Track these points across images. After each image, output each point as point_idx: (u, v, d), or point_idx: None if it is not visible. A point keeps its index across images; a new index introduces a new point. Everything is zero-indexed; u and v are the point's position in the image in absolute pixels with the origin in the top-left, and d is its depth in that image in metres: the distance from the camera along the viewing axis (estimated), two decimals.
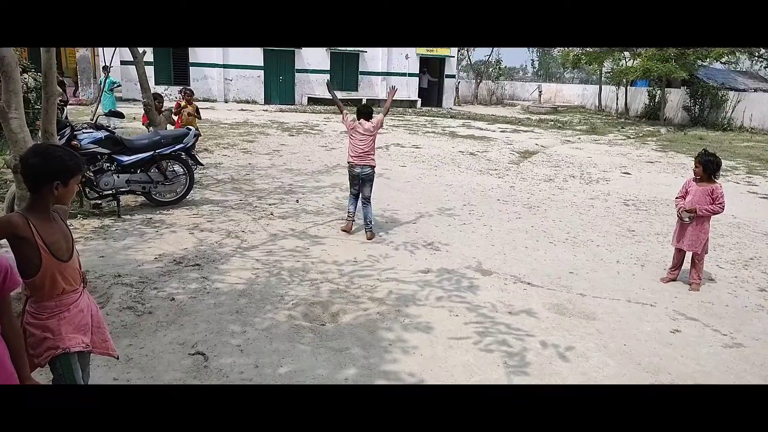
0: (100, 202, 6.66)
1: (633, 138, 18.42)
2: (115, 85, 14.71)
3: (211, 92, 24.81)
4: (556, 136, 17.98)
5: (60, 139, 5.86)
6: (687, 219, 5.03)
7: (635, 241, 6.53)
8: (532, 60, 64.28)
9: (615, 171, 11.57)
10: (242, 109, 22.00)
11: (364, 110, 6.34)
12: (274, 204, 7.39)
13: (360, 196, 6.25)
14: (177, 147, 6.82)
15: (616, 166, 12.14)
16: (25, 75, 11.25)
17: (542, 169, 11.38)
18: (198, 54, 24.27)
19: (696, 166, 5.20)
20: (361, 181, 6.18)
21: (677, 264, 5.24)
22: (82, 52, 20.86)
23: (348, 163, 6.25)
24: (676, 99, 24.57)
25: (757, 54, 25.14)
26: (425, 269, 5.23)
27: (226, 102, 24.79)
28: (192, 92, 10.11)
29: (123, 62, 22.48)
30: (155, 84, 23.77)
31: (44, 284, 2.19)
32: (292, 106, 24.92)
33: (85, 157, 6.19)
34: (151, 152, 6.62)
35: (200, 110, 10.18)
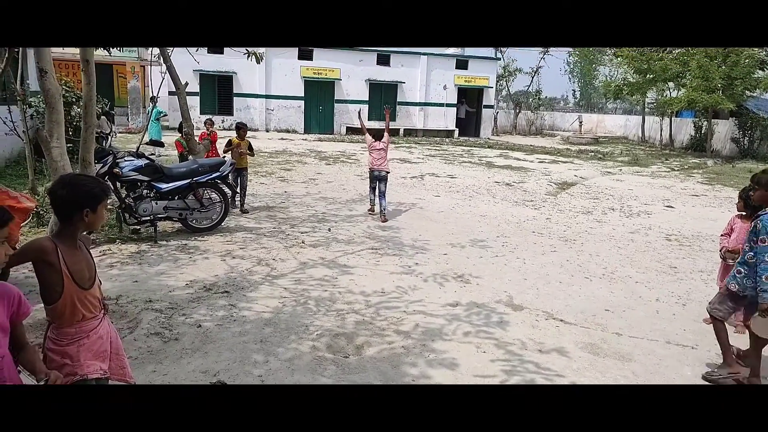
0: (138, 227, 6.86)
1: (677, 170, 17.86)
2: (162, 115, 15.38)
3: (254, 122, 25.54)
4: (596, 167, 17.62)
5: (102, 167, 6.12)
6: (731, 261, 4.78)
7: (677, 278, 6.24)
8: (573, 90, 63.71)
9: (657, 204, 11.19)
10: (282, 138, 22.54)
11: (377, 133, 8.62)
12: (306, 232, 7.45)
13: (377, 190, 8.48)
14: (214, 175, 6.99)
15: (658, 199, 11.76)
16: (75, 106, 11.88)
17: (580, 201, 11.12)
18: (241, 84, 25.11)
19: (738, 201, 4.96)
20: (378, 181, 8.48)
21: None
22: (132, 82, 21.90)
23: (370, 168, 8.62)
24: (723, 130, 23.81)
25: None
26: (454, 302, 5.12)
27: (268, 131, 25.47)
28: (245, 127, 9.05)
29: (171, 93, 23.46)
30: (200, 114, 24.70)
31: (65, 311, 2.23)
32: (331, 136, 25.38)
33: (125, 184, 6.44)
34: (189, 180, 6.80)
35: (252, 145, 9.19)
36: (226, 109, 25.11)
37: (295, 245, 6.76)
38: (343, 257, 6.35)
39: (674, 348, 4.42)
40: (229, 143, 8.85)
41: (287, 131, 25.78)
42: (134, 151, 6.64)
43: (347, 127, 26.28)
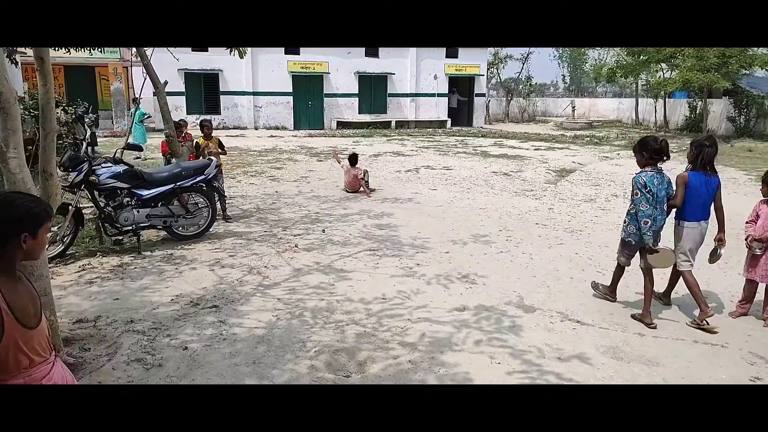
0: (121, 237, 6.45)
1: (676, 152, 17.50)
2: (146, 117, 14.88)
3: (242, 120, 25.03)
4: (593, 152, 17.29)
5: (77, 175, 5.71)
6: (758, 251, 4.45)
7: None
8: (563, 75, 63.34)
9: None
10: (272, 136, 22.07)
11: (353, 158, 10.23)
12: (299, 235, 7.06)
13: None
14: (198, 179, 6.59)
15: None
16: (58, 110, 11.41)
17: (582, 189, 10.77)
18: (228, 82, 24.57)
19: (762, 186, 4.63)
20: None
21: (749, 297, 4.64)
22: (116, 84, 21.35)
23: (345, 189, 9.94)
24: (719, 110, 23.53)
25: None
26: (461, 307, 4.76)
27: (256, 129, 24.96)
28: (209, 124, 8.35)
29: (155, 93, 22.92)
30: (187, 113, 24.14)
31: (7, 358, 1.84)
32: (322, 131, 24.91)
33: (104, 192, 6.03)
34: (172, 185, 6.40)
35: (223, 142, 8.58)
36: (213, 108, 24.55)
37: (288, 250, 6.37)
38: (340, 261, 5.98)
39: (703, 347, 4.08)
40: (196, 146, 8.08)
41: (276, 128, 25.28)
42: (112, 156, 6.22)
43: (338, 122, 25.82)
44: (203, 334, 4.13)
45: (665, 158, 4.45)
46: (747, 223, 4.71)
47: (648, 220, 4.32)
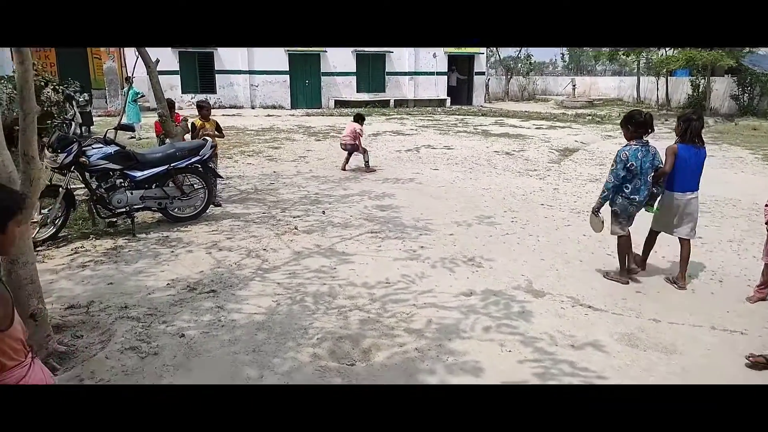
0: (115, 219, 6.25)
1: None
2: (139, 96, 14.53)
3: (238, 99, 24.61)
4: (595, 131, 17.02)
5: (67, 156, 5.48)
6: None
7: (706, 250, 5.73)
8: (562, 54, 62.56)
9: None
10: (269, 115, 21.70)
11: (359, 117, 10.17)
12: (298, 216, 6.86)
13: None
14: (193, 159, 6.36)
15: None
16: (48, 89, 11.09)
17: (586, 168, 10.56)
18: (223, 61, 24.09)
19: None
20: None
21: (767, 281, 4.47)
22: (108, 63, 20.91)
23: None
24: (722, 88, 23.17)
25: None
26: (468, 291, 4.59)
27: (253, 108, 24.55)
28: (207, 105, 7.89)
29: (148, 73, 22.47)
30: (182, 93, 23.74)
31: None
32: (319, 110, 24.51)
33: (95, 174, 5.80)
34: (166, 166, 6.17)
35: (221, 125, 8.22)
36: (209, 87, 24.10)
37: (287, 232, 6.18)
38: (341, 243, 5.79)
39: (721, 334, 3.93)
40: (192, 127, 7.65)
41: (273, 107, 24.86)
42: (103, 137, 5.97)
43: (335, 101, 25.42)
44: (201, 321, 3.96)
45: (650, 131, 4.64)
46: (767, 206, 4.52)
47: (607, 191, 4.71)
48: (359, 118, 10.09)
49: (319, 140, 14.26)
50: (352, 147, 9.93)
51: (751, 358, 3.43)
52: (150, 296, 4.37)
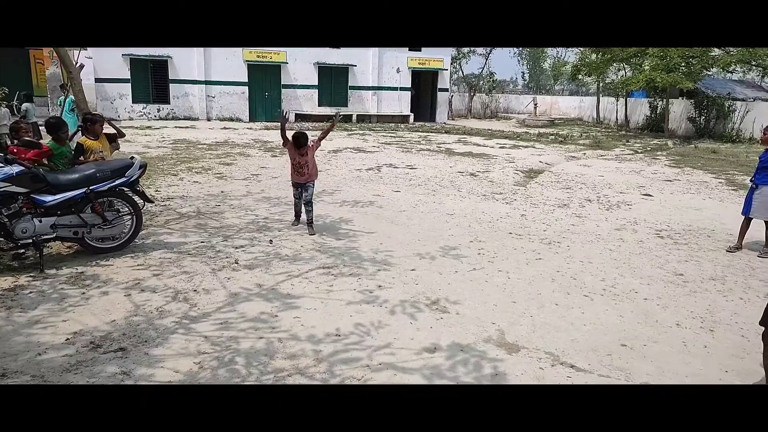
0: (21, 251, 5.33)
1: (641, 152, 17.29)
2: (75, 105, 13.42)
3: (193, 110, 23.55)
4: (559, 151, 16.81)
5: None
6: None
7: (689, 290, 5.25)
8: (522, 72, 63.61)
9: (634, 192, 10.35)
10: (225, 128, 20.75)
11: (299, 139, 6.54)
12: (242, 246, 6.07)
13: (302, 198, 6.89)
14: (118, 182, 5.51)
15: (633, 186, 10.93)
16: None
17: (553, 192, 10.14)
18: (178, 70, 23.02)
19: None
20: (302, 188, 6.87)
21: None
22: (51, 69, 19.56)
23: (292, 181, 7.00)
24: (679, 110, 23.57)
25: (753, 62, 23.93)
26: (431, 346, 3.92)
27: (209, 120, 23.53)
28: (96, 117, 6.26)
29: (98, 80, 21.21)
30: (132, 102, 22.58)
31: None
32: (279, 124, 23.67)
33: None
34: (84, 189, 5.30)
35: (118, 135, 6.76)
36: (162, 98, 22.97)
37: (225, 267, 5.39)
38: (287, 282, 5.04)
39: None
40: (80, 150, 6.01)
41: (231, 119, 23.89)
42: (2, 155, 5.06)
43: (296, 114, 24.61)
44: None
45: None
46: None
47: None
48: (301, 140, 6.51)
49: (276, 156, 13.46)
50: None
51: None
52: (39, 358, 3.52)
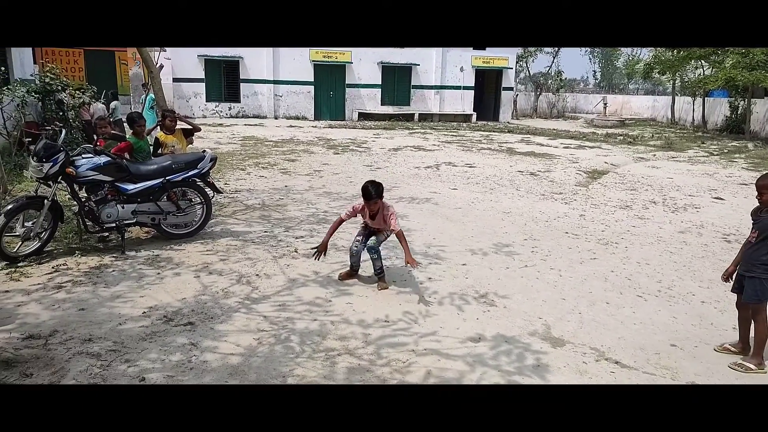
0: (105, 234, 5.89)
1: (717, 155, 16.41)
2: (155, 102, 14.36)
3: (261, 109, 24.53)
4: (627, 152, 16.26)
5: (53, 166, 5.14)
6: None
7: None
8: (593, 71, 61.52)
9: (704, 195, 9.92)
10: (291, 126, 21.50)
11: (370, 188, 4.85)
12: (302, 237, 6.40)
13: (367, 243, 5.07)
14: (191, 173, 5.97)
15: (704, 190, 10.47)
16: (63, 93, 10.96)
17: (616, 193, 9.89)
18: (248, 70, 24.05)
19: None
20: (373, 234, 5.12)
21: None
22: (134, 69, 20.97)
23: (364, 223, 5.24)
24: (762, 110, 22.13)
25: None
26: (476, 336, 4.04)
27: (276, 118, 24.43)
28: (171, 113, 6.76)
29: (176, 79, 22.52)
30: (206, 101, 23.76)
31: None
32: (342, 122, 24.24)
33: (84, 185, 5.45)
34: (161, 179, 5.79)
35: (194, 129, 7.06)
36: (233, 96, 24.10)
37: (286, 255, 5.72)
38: (341, 271, 5.29)
39: None
40: (157, 144, 6.57)
41: (297, 118, 24.71)
42: (93, 146, 5.62)
43: (359, 113, 25.12)
44: (168, 361, 3.50)
45: None
46: None
47: None
48: (371, 193, 4.88)
49: (338, 153, 13.87)
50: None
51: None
52: (120, 327, 3.94)
